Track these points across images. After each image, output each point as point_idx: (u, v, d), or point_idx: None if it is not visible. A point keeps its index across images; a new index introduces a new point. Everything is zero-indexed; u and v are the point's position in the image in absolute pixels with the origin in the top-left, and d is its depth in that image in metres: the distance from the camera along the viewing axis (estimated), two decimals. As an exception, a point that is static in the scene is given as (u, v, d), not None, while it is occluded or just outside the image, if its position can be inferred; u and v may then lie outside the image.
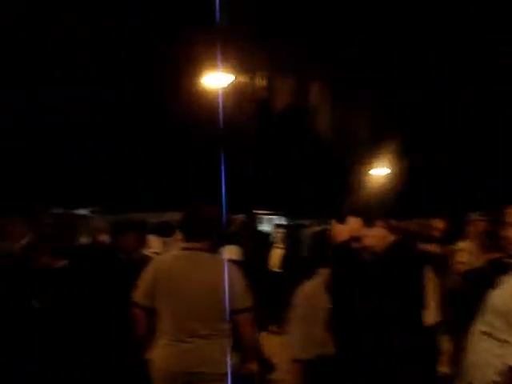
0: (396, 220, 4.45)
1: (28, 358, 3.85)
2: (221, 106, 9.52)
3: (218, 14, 5.99)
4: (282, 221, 24.62)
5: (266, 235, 11.78)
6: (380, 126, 12.46)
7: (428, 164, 14.59)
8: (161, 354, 3.26)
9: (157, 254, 6.51)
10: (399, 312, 2.55)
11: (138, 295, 3.33)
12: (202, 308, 3.17)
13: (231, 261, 3.58)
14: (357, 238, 2.73)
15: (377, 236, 2.69)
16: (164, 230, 9.31)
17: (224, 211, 3.69)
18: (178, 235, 4.49)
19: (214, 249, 3.37)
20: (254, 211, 19.88)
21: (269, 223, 21.81)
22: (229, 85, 9.85)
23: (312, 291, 3.52)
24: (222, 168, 4.71)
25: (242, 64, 9.50)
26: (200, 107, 10.40)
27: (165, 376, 3.22)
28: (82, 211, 19.66)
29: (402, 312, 2.56)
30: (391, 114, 11.90)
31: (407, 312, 2.58)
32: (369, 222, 2.69)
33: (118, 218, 8.32)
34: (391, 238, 2.72)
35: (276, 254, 8.75)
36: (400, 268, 2.61)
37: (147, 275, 3.34)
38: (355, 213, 2.73)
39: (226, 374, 3.13)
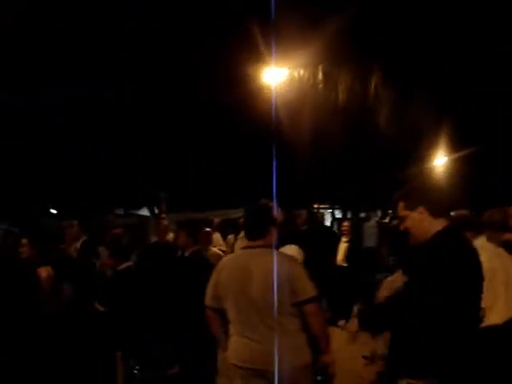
0: (467, 209, 4.26)
1: (94, 361, 3.94)
2: (275, 101, 9.43)
3: (273, 10, 5.92)
4: (339, 214, 24.37)
5: (330, 229, 11.65)
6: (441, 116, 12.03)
7: (501, 152, 13.99)
8: (231, 351, 3.28)
9: (222, 251, 6.60)
10: (444, 305, 2.42)
11: (208, 298, 3.39)
12: (266, 305, 3.12)
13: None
14: (401, 218, 2.73)
15: (415, 219, 2.64)
16: (228, 228, 9.42)
17: (282, 207, 3.63)
18: (242, 232, 4.51)
19: (276, 245, 3.33)
20: (315, 206, 19.68)
21: (328, 217, 21.61)
22: (284, 79, 9.71)
23: (394, 287, 3.41)
24: (274, 164, 4.66)
25: (297, 57, 9.36)
26: (256, 103, 10.34)
27: (235, 373, 3.22)
28: (145, 212, 20.12)
29: (447, 305, 2.42)
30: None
31: (453, 306, 2.44)
32: (410, 204, 2.66)
33: (180, 218, 8.47)
34: (440, 224, 2.61)
35: (342, 249, 8.63)
36: (446, 257, 2.49)
37: (213, 278, 3.38)
38: (400, 197, 2.74)
39: (291, 369, 3.08)
